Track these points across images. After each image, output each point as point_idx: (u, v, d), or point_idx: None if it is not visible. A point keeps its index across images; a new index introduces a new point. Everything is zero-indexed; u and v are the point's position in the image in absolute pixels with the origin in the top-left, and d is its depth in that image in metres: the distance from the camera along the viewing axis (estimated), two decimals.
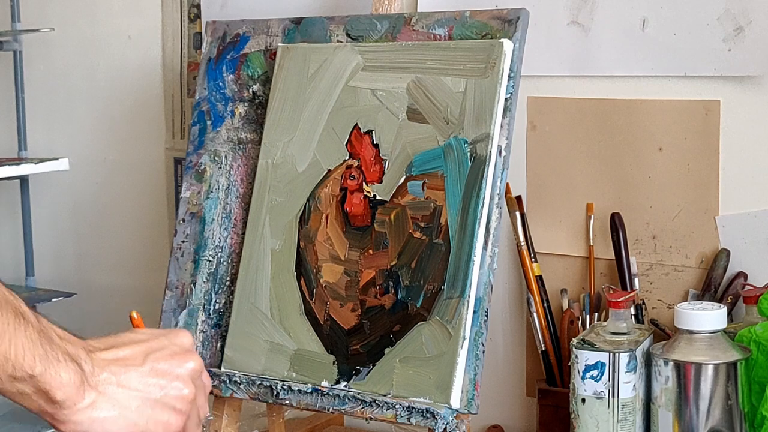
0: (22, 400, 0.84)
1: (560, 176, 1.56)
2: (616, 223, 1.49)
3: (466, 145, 1.32)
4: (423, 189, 1.34)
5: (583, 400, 1.31)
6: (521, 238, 1.54)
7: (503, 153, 1.31)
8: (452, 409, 1.26)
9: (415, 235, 1.33)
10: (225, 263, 1.47)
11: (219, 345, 1.45)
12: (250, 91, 1.52)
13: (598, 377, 1.30)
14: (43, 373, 0.82)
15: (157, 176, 1.96)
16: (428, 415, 1.25)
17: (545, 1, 1.53)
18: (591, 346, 1.31)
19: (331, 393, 1.33)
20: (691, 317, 1.28)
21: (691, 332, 1.28)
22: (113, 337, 0.92)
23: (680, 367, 1.28)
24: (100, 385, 0.86)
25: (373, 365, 1.33)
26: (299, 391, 1.34)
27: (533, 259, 1.54)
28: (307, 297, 1.39)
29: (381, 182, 1.37)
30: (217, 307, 1.47)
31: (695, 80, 1.46)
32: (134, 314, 1.04)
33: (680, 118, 1.47)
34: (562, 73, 1.55)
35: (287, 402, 1.36)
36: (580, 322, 1.50)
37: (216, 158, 1.52)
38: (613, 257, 1.50)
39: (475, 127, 1.31)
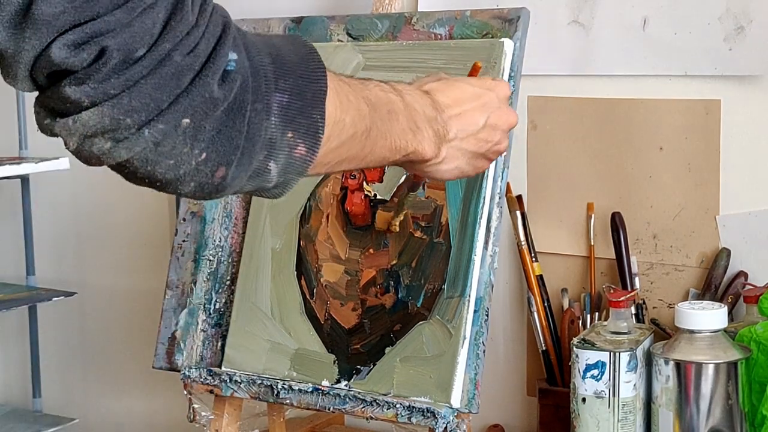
0: (393, 163, 1.03)
1: (561, 176, 1.56)
2: (616, 223, 1.49)
3: None
4: (423, 188, 1.33)
5: (584, 400, 1.31)
6: (522, 237, 1.54)
7: (504, 152, 1.31)
8: (453, 408, 1.26)
9: (415, 235, 1.33)
10: (225, 262, 1.47)
11: (219, 344, 1.45)
12: None
13: (599, 377, 1.30)
14: (415, 149, 1.01)
15: None
16: (429, 414, 1.25)
17: (546, 0, 1.53)
18: (591, 346, 1.31)
19: (331, 392, 1.33)
20: (691, 317, 1.28)
21: (691, 332, 1.28)
22: (455, 89, 1.08)
23: (681, 367, 1.28)
24: (449, 143, 1.05)
25: (374, 365, 1.33)
26: (300, 390, 1.34)
27: (534, 259, 1.54)
28: (308, 296, 1.39)
29: (381, 181, 1.37)
30: (217, 306, 1.47)
31: (696, 80, 1.46)
32: (478, 63, 1.19)
33: (681, 118, 1.47)
34: (563, 73, 1.55)
35: (288, 401, 1.36)
36: (580, 322, 1.50)
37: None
38: (614, 257, 1.50)
39: None
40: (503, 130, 1.11)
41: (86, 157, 0.77)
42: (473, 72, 1.19)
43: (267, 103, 0.82)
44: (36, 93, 0.77)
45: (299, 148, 0.85)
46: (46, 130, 0.77)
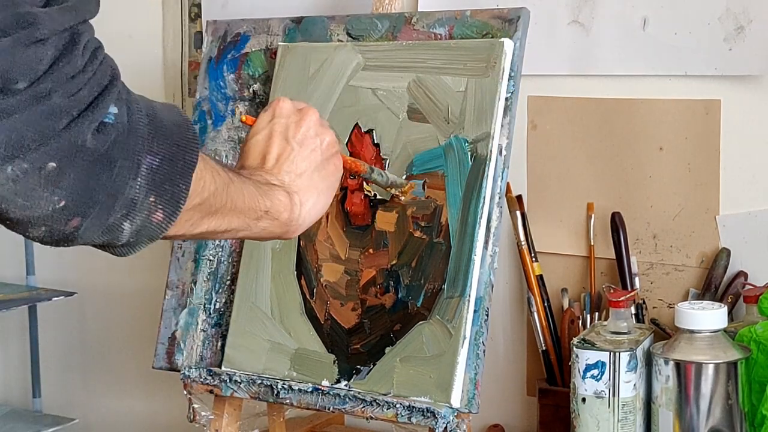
0: (263, 234, 1.00)
1: (561, 175, 1.56)
2: (616, 223, 1.49)
3: (466, 144, 1.32)
4: (423, 188, 1.34)
5: (584, 400, 1.31)
6: (522, 237, 1.54)
7: (504, 152, 1.31)
8: (453, 408, 1.26)
9: (415, 235, 1.33)
10: (225, 262, 1.47)
11: (219, 344, 1.45)
12: (251, 90, 1.52)
13: (599, 377, 1.30)
14: (271, 205, 0.99)
15: None
16: (429, 414, 1.25)
17: (546, 0, 1.53)
18: (591, 346, 1.31)
19: (331, 392, 1.33)
20: (691, 317, 1.28)
21: (691, 331, 1.28)
22: (251, 148, 1.06)
23: (681, 367, 1.28)
24: (291, 186, 1.03)
25: (374, 364, 1.33)
26: (300, 390, 1.34)
27: (534, 259, 1.54)
28: (308, 296, 1.39)
29: None
30: (217, 306, 1.47)
31: (696, 80, 1.46)
32: (244, 118, 1.14)
33: (681, 118, 1.47)
34: (563, 73, 1.55)
35: (288, 401, 1.36)
36: (580, 322, 1.50)
37: (217, 157, 1.52)
38: (614, 257, 1.50)
39: (475, 126, 1.31)
40: (314, 130, 1.08)
41: None
42: (249, 123, 1.14)
43: (137, 162, 0.80)
44: None
45: (158, 213, 0.83)
46: None
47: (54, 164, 0.75)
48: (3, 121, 0.72)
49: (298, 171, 1.04)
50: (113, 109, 0.78)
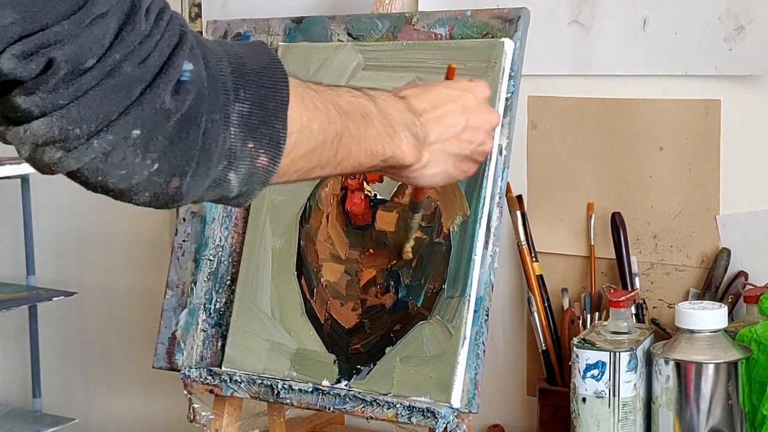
0: (374, 169, 1.01)
1: (561, 175, 1.56)
2: (616, 223, 1.49)
3: None
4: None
5: (584, 400, 1.31)
6: (522, 237, 1.54)
7: (504, 152, 1.31)
8: (453, 408, 1.26)
9: (415, 234, 1.33)
10: (226, 262, 1.47)
11: (220, 344, 1.45)
12: None
13: (599, 376, 1.30)
14: (393, 153, 0.99)
15: None
16: (429, 414, 1.25)
17: (546, 0, 1.53)
18: (592, 346, 1.31)
19: (331, 392, 1.33)
20: (691, 316, 1.28)
21: (691, 331, 1.28)
22: (432, 92, 1.06)
23: (681, 367, 1.28)
24: (431, 146, 1.03)
25: (374, 364, 1.33)
26: (300, 390, 1.34)
27: (534, 259, 1.54)
28: (308, 296, 1.39)
29: (382, 181, 1.37)
30: (217, 306, 1.47)
31: (696, 80, 1.46)
32: (452, 65, 1.15)
33: (681, 118, 1.47)
34: (563, 73, 1.55)
35: (288, 401, 1.36)
36: (580, 322, 1.50)
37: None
38: (614, 257, 1.50)
39: None
40: (486, 130, 1.10)
41: (38, 165, 0.77)
42: (449, 75, 1.16)
43: (226, 113, 0.81)
44: None
45: (261, 158, 0.84)
46: (0, 138, 0.77)
47: (138, 131, 0.76)
48: (80, 100, 0.73)
49: (445, 143, 1.05)
50: (188, 66, 0.78)
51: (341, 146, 0.92)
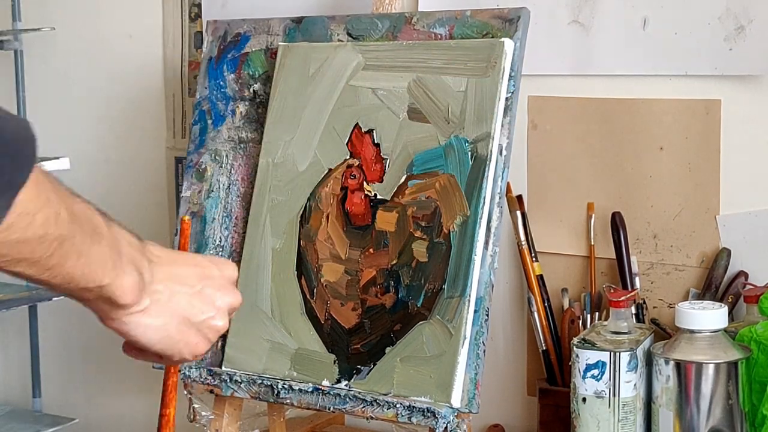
0: (85, 302, 0.89)
1: (561, 175, 1.56)
2: (616, 223, 1.49)
3: (466, 144, 1.32)
4: None
5: (584, 400, 1.31)
6: (522, 237, 1.54)
7: (504, 152, 1.31)
8: (453, 408, 1.26)
9: (415, 235, 1.33)
10: None
11: (220, 344, 1.45)
12: (251, 90, 1.52)
13: (599, 376, 1.30)
14: (111, 282, 0.87)
15: (158, 175, 1.96)
16: (429, 414, 1.25)
17: (546, 0, 1.53)
18: (592, 346, 1.31)
19: (331, 392, 1.33)
20: (691, 316, 1.28)
21: (691, 331, 1.28)
22: (175, 253, 0.97)
23: (681, 367, 1.28)
24: (154, 294, 0.91)
25: (374, 364, 1.33)
26: (300, 390, 1.35)
27: (534, 259, 1.54)
28: (308, 296, 1.39)
29: (382, 181, 1.37)
30: None
31: (696, 79, 1.46)
32: (186, 218, 1.08)
33: (681, 118, 1.47)
34: (563, 73, 1.55)
35: (288, 401, 1.36)
36: (580, 322, 1.50)
37: (217, 157, 1.52)
38: (614, 256, 1.50)
39: (475, 126, 1.32)
40: (220, 307, 0.97)
41: None
42: (183, 231, 1.08)
43: None
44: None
45: None
46: None
47: None
48: None
49: (173, 296, 0.93)
50: None
51: (59, 251, 0.83)
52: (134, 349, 0.95)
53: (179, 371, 1.08)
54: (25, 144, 0.79)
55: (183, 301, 0.94)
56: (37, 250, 0.81)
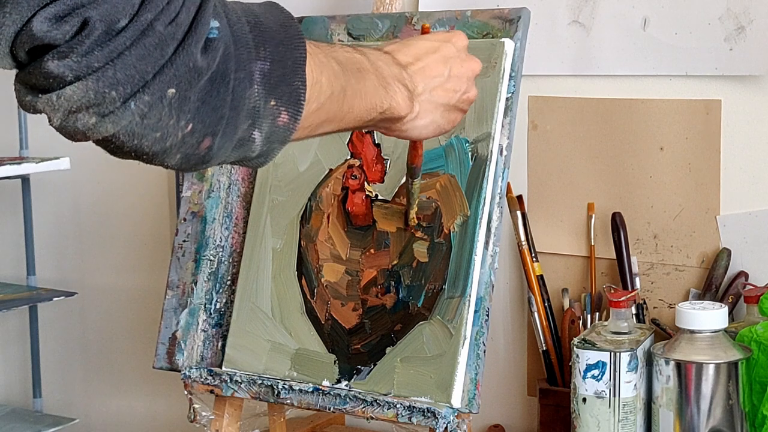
0: (370, 126, 1.02)
1: (561, 176, 1.56)
2: (617, 223, 1.49)
3: (467, 144, 1.32)
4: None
5: (584, 400, 1.31)
6: (522, 237, 1.54)
7: (504, 152, 1.31)
8: (453, 408, 1.26)
9: (416, 235, 1.33)
10: (226, 262, 1.47)
11: (220, 344, 1.45)
12: None
13: (599, 377, 1.30)
14: (390, 105, 1.00)
15: (159, 175, 1.96)
16: (429, 414, 1.25)
17: (546, 0, 1.53)
18: (592, 346, 1.31)
19: (332, 392, 1.33)
20: (692, 317, 1.28)
21: (692, 332, 1.28)
22: (413, 46, 1.07)
23: (681, 367, 1.28)
24: (419, 97, 1.04)
25: (374, 365, 1.33)
26: (300, 390, 1.34)
27: (534, 259, 1.54)
28: (308, 296, 1.39)
29: (383, 182, 1.37)
30: (218, 306, 1.47)
31: (696, 80, 1.46)
32: (426, 25, 1.16)
33: (681, 118, 1.47)
34: (564, 73, 1.55)
35: (288, 401, 1.36)
36: (581, 322, 1.50)
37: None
38: (614, 257, 1.50)
39: (476, 126, 1.31)
40: (468, 78, 1.10)
41: (71, 132, 0.76)
42: (424, 32, 1.17)
43: (249, 71, 0.81)
44: (16, 71, 0.75)
45: (282, 116, 0.85)
46: (29, 107, 0.75)
47: (173, 90, 0.75)
48: (116, 61, 0.72)
49: (432, 93, 1.05)
50: (215, 24, 0.78)
51: (345, 100, 0.93)
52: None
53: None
54: (289, 25, 0.86)
55: (440, 92, 1.06)
56: (331, 108, 0.92)
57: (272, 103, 0.83)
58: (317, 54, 0.90)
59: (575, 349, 1.32)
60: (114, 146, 0.78)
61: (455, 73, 1.08)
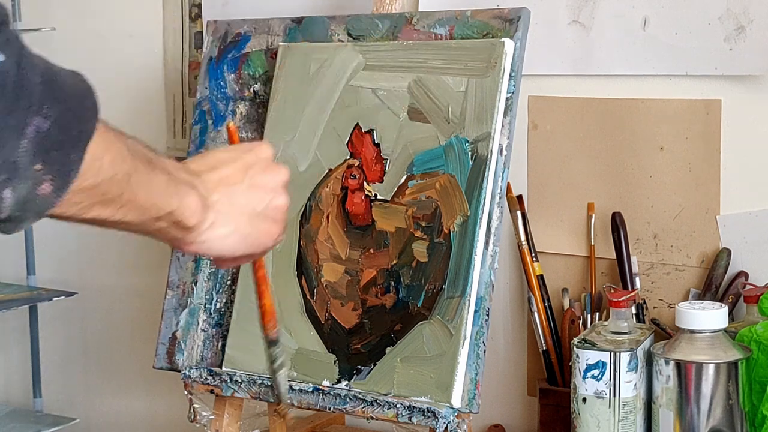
0: (159, 233, 0.91)
1: (561, 175, 1.56)
2: (617, 223, 1.49)
3: (467, 144, 1.32)
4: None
5: (584, 400, 1.31)
6: (522, 237, 1.54)
7: (504, 152, 1.31)
8: (453, 408, 1.26)
9: (416, 235, 1.33)
10: None
11: (220, 344, 1.45)
12: (251, 90, 1.52)
13: (599, 377, 1.30)
14: (178, 206, 0.89)
15: None
16: (429, 414, 1.25)
17: (546, 0, 1.53)
18: (592, 346, 1.31)
19: (332, 392, 1.33)
20: (692, 316, 1.28)
21: (692, 331, 1.28)
22: (210, 157, 0.98)
23: (681, 367, 1.28)
24: (215, 205, 0.93)
25: (374, 364, 1.33)
26: (300, 390, 1.35)
27: (534, 259, 1.54)
28: (308, 296, 1.39)
29: (382, 182, 1.37)
30: (218, 306, 1.47)
31: (696, 80, 1.46)
32: (231, 125, 1.08)
33: (681, 118, 1.47)
34: (563, 73, 1.55)
35: (288, 401, 1.36)
36: (581, 322, 1.50)
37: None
38: (614, 257, 1.50)
39: (476, 126, 1.32)
40: (274, 187, 0.99)
41: None
42: (231, 136, 1.08)
43: (23, 122, 0.73)
44: None
45: (45, 185, 0.76)
46: None
47: None
48: None
49: (231, 201, 0.95)
50: None
51: (129, 187, 0.85)
52: (224, 261, 0.99)
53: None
54: (87, 95, 0.80)
55: (241, 199, 0.96)
56: (111, 191, 0.83)
57: (38, 166, 0.75)
58: (108, 132, 0.82)
59: (575, 349, 1.32)
60: None
61: (258, 181, 0.98)
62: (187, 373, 1.42)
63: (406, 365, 1.31)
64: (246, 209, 0.96)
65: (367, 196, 1.38)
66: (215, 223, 0.93)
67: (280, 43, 1.49)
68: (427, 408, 1.26)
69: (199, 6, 1.88)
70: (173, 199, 0.89)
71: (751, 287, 1.40)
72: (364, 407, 1.31)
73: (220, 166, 0.97)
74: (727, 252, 1.44)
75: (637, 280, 1.50)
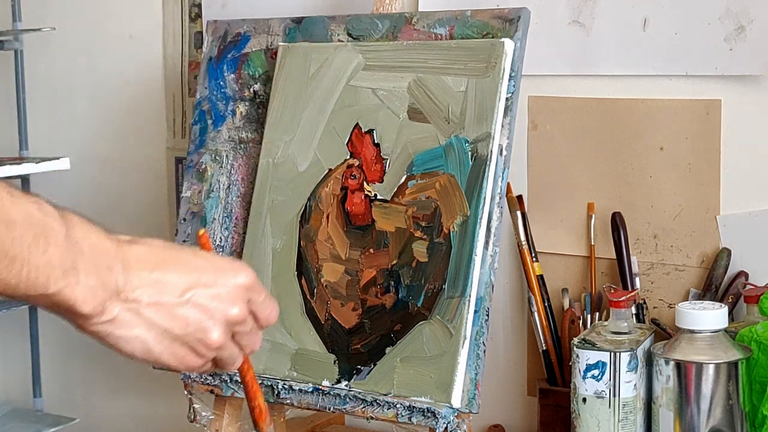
0: (41, 303, 0.82)
1: (561, 176, 1.56)
2: (617, 223, 1.49)
3: (467, 144, 1.32)
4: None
5: (584, 400, 1.31)
6: (522, 237, 1.54)
7: (504, 152, 1.31)
8: (453, 408, 1.26)
9: (415, 235, 1.33)
10: None
11: None
12: (251, 90, 1.52)
13: (599, 377, 1.30)
14: (60, 291, 0.80)
15: (158, 176, 1.96)
16: (429, 414, 1.25)
17: (546, 0, 1.53)
18: (592, 346, 1.31)
19: (332, 392, 1.33)
20: (692, 317, 1.28)
21: (692, 332, 1.28)
22: (167, 255, 0.87)
23: (681, 367, 1.28)
24: (127, 303, 0.84)
25: (374, 364, 1.33)
26: (300, 390, 1.35)
27: (534, 259, 1.54)
28: (308, 296, 1.39)
29: (382, 181, 1.37)
30: None
31: (696, 80, 1.46)
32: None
33: (681, 118, 1.47)
34: (563, 73, 1.55)
35: (288, 401, 1.36)
36: (581, 322, 1.50)
37: (217, 158, 1.52)
38: (614, 257, 1.50)
39: (476, 126, 1.32)
40: (217, 319, 0.87)
41: None
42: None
43: None
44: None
45: None
46: None
47: None
48: None
49: (149, 307, 0.85)
50: None
51: None
52: (137, 359, 0.89)
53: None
54: None
55: (162, 311, 0.85)
56: None
57: None
58: None
59: (575, 349, 1.32)
60: None
61: (199, 303, 0.86)
62: (187, 373, 1.42)
63: (406, 365, 1.30)
64: (162, 325, 0.85)
65: (367, 196, 1.38)
66: (116, 321, 0.85)
67: (280, 43, 1.49)
68: (427, 408, 1.26)
69: (199, 6, 1.88)
70: (56, 283, 0.80)
71: (751, 287, 1.40)
72: (363, 407, 1.31)
73: (167, 270, 0.86)
74: (727, 252, 1.44)
75: (637, 280, 1.50)
